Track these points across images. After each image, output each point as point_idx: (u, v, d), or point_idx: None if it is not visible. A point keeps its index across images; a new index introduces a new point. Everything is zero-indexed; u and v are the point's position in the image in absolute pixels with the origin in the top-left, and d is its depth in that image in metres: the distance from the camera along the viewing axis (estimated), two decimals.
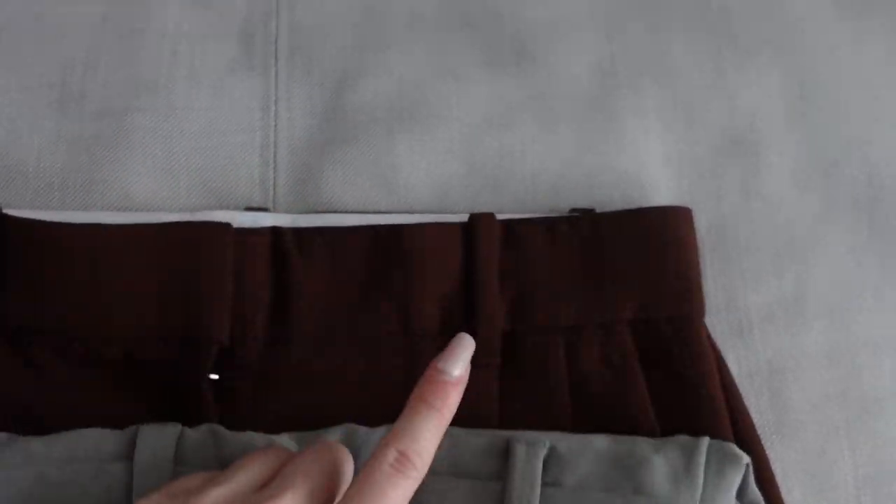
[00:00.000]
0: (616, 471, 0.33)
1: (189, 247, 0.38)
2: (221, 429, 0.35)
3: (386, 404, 0.36)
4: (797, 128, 0.46)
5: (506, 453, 0.34)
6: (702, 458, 0.33)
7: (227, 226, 0.39)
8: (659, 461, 0.33)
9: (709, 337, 0.39)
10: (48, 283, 0.38)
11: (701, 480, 0.33)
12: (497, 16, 0.47)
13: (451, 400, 0.31)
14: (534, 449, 0.33)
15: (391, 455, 0.28)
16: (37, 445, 0.34)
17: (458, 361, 0.31)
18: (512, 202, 0.43)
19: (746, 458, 0.34)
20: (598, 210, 0.42)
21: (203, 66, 0.45)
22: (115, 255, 0.38)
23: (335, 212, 0.42)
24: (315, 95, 0.45)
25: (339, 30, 0.47)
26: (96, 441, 0.34)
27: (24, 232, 0.38)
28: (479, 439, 0.34)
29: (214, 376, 0.37)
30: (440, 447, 0.30)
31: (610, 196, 0.44)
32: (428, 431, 0.30)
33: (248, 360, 0.38)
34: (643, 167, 0.44)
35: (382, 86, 0.45)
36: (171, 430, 0.34)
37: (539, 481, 0.33)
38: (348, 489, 0.28)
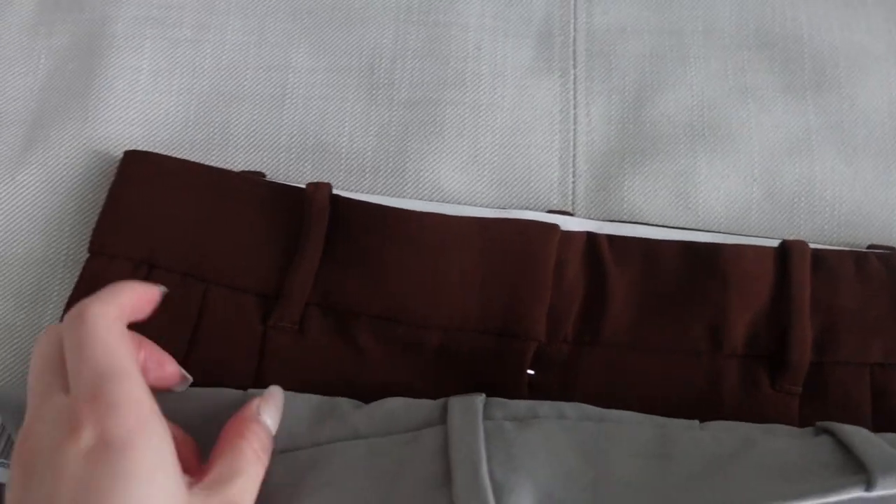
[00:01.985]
0: None
1: (520, 244, 0.39)
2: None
3: (684, 415, 0.37)
4: None
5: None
6: None
7: (556, 227, 0.40)
8: None
9: None
10: (378, 267, 0.39)
11: None
12: (796, 38, 0.47)
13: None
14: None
15: None
16: (358, 418, 0.36)
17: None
18: (808, 232, 0.43)
19: None
20: None
21: (505, 64, 0.46)
22: (447, 245, 0.39)
23: (634, 222, 0.43)
24: (614, 103, 0.46)
25: (635, 38, 0.47)
26: (412, 411, 0.36)
27: (358, 214, 0.40)
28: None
29: (531, 372, 0.39)
30: None
31: None
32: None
33: (557, 357, 0.39)
34: None
35: (682, 100, 0.45)
36: (477, 397, 0.36)
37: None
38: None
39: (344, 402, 0.37)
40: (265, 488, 0.32)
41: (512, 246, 0.40)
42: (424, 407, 0.36)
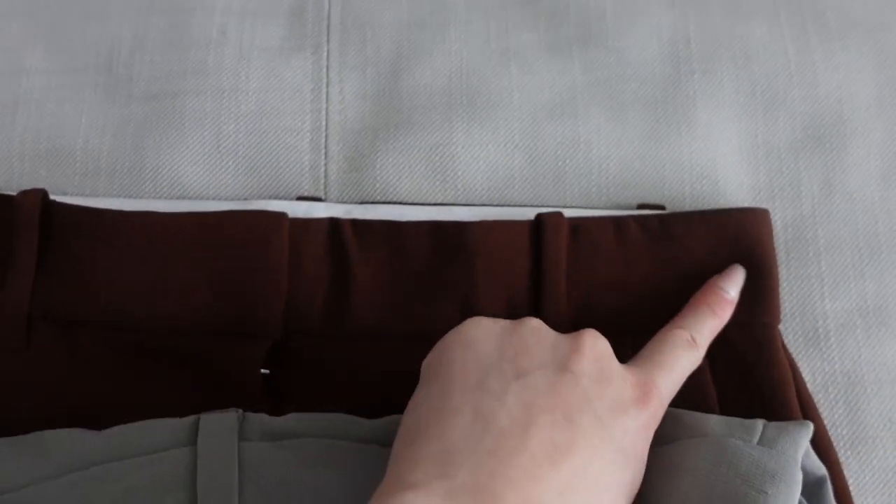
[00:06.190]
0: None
1: (244, 237, 0.37)
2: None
3: None
4: (888, 117, 0.42)
5: None
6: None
7: (282, 215, 0.37)
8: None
9: (784, 345, 0.37)
10: (97, 272, 0.37)
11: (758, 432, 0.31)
12: None
13: (727, 313, 0.35)
14: None
15: (685, 335, 0.33)
16: (97, 442, 0.33)
17: (736, 284, 0.36)
18: (576, 196, 0.41)
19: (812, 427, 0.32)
20: (668, 207, 0.40)
21: (252, 46, 0.43)
22: (167, 245, 0.37)
23: (389, 202, 0.40)
24: (368, 77, 0.43)
25: (393, 5, 0.44)
26: (154, 431, 0.33)
27: (72, 219, 0.37)
28: None
29: (265, 371, 0.36)
30: None
31: (680, 191, 0.41)
32: (708, 328, 0.34)
33: (302, 354, 0.37)
34: (716, 160, 0.41)
35: (440, 68, 0.43)
36: (233, 415, 0.33)
37: None
38: (646, 348, 0.33)
39: (63, 435, 0.33)
40: None
41: (236, 240, 0.37)
42: (168, 426, 0.33)
